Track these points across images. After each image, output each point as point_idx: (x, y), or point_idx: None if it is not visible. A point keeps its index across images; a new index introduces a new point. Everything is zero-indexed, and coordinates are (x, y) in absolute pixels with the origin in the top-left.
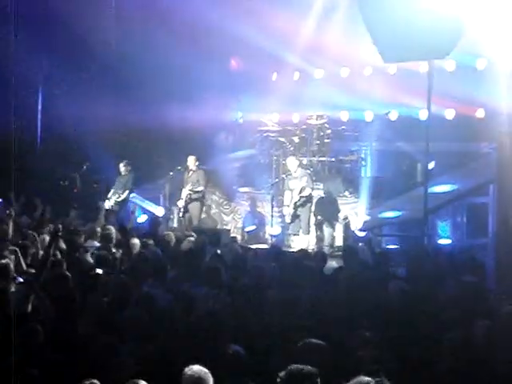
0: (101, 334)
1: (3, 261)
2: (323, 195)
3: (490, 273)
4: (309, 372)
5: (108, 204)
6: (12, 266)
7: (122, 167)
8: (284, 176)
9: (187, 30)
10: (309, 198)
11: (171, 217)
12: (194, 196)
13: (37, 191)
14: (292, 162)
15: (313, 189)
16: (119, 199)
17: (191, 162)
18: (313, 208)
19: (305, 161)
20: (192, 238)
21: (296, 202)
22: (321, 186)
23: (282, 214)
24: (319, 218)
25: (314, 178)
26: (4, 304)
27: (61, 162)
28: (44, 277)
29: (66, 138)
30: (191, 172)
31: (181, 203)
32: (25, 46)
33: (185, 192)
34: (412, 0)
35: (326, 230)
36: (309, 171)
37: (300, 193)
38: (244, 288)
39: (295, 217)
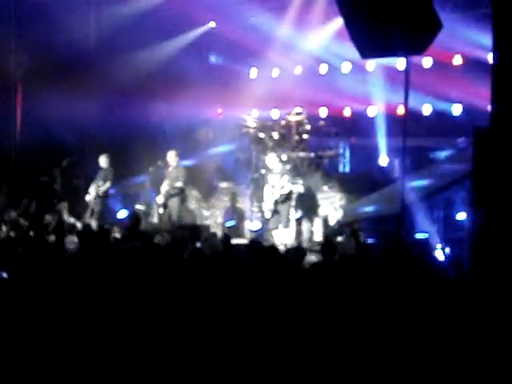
0: None
1: None
2: (303, 191)
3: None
4: None
5: (88, 198)
6: None
7: (101, 160)
8: (263, 171)
9: (167, 25)
10: (289, 195)
11: (151, 212)
12: (173, 192)
13: (17, 186)
14: (272, 159)
15: (293, 184)
16: (100, 192)
17: (171, 157)
18: (292, 203)
19: (284, 156)
20: (168, 234)
21: (276, 199)
22: (300, 181)
23: (262, 209)
24: (299, 212)
25: (293, 174)
26: None
27: (41, 158)
28: None
29: (46, 134)
30: (171, 167)
31: (160, 199)
32: (3, 41)
33: (164, 187)
34: None
35: (305, 224)
36: (288, 167)
37: (281, 189)
38: (223, 283)
39: (275, 212)
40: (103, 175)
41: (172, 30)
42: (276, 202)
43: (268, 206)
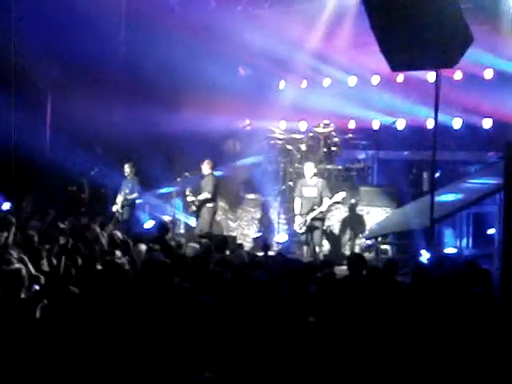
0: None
1: (16, 265)
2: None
3: (496, 283)
4: None
5: (115, 207)
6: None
7: (126, 169)
8: (291, 183)
9: (197, 38)
10: (326, 212)
11: (178, 223)
12: (203, 202)
13: (46, 196)
14: (309, 168)
15: (331, 200)
16: (126, 202)
17: (204, 167)
18: (329, 221)
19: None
20: (196, 245)
21: (314, 217)
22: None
23: (289, 221)
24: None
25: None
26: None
27: (69, 168)
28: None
29: (74, 144)
30: (204, 177)
31: (192, 209)
32: (34, 52)
33: (190, 198)
34: (421, 8)
35: (331, 237)
36: (324, 182)
37: (318, 204)
38: (250, 294)
39: (311, 228)
40: (129, 185)
41: (200, 41)
42: (313, 219)
43: (301, 220)
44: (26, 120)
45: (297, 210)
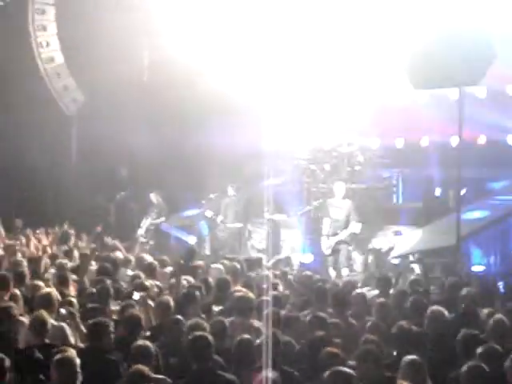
0: (133, 365)
1: (47, 289)
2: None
3: None
4: None
5: (140, 232)
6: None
7: (152, 197)
8: (315, 203)
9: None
10: (354, 235)
11: (204, 245)
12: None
13: (72, 221)
14: (339, 188)
15: (348, 231)
16: (151, 226)
17: (230, 190)
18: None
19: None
20: (220, 266)
21: (341, 241)
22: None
23: (313, 241)
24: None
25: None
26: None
27: (96, 192)
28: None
29: (101, 168)
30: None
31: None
32: (58, 78)
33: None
34: (442, 26)
35: (358, 257)
36: (351, 203)
37: (344, 227)
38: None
39: (336, 251)
40: (156, 210)
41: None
42: (339, 242)
43: (329, 243)
44: (53, 146)
45: (324, 230)
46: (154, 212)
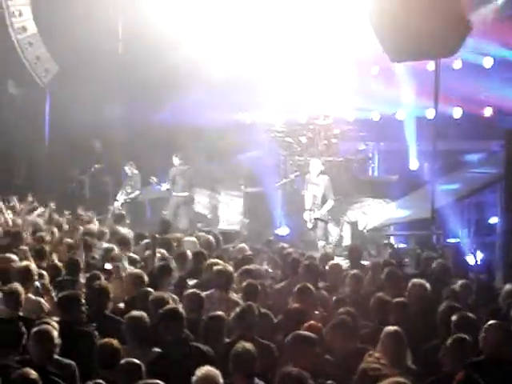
0: (108, 336)
1: (25, 262)
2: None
3: (498, 271)
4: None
5: (116, 204)
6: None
7: (127, 169)
8: (292, 176)
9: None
10: (331, 209)
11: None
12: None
13: (46, 193)
14: (315, 165)
15: (334, 199)
16: (128, 200)
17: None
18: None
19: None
20: (194, 238)
21: (318, 219)
22: None
23: (290, 214)
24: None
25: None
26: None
27: (70, 165)
28: None
29: (74, 141)
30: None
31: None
32: (31, 49)
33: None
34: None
35: (334, 229)
36: (328, 179)
37: (322, 202)
38: (251, 289)
39: (315, 225)
40: (131, 183)
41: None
42: (317, 219)
43: (310, 217)
44: (26, 117)
45: (307, 204)
46: (129, 184)
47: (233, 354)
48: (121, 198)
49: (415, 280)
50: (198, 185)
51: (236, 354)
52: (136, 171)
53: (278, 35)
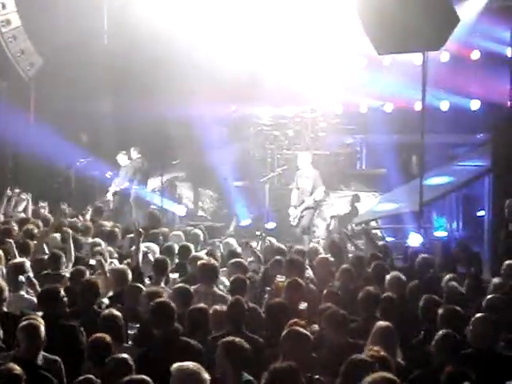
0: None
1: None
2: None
3: (486, 264)
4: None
5: (109, 196)
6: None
7: (119, 158)
8: (279, 169)
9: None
10: (319, 202)
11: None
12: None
13: (32, 188)
14: (304, 158)
15: (311, 197)
16: (117, 190)
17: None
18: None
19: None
20: (179, 232)
21: (306, 207)
22: None
23: (278, 208)
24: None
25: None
26: None
27: (56, 158)
28: None
29: (59, 134)
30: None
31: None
32: (15, 41)
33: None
34: None
35: (321, 223)
36: (318, 171)
37: (311, 195)
38: (239, 283)
39: (301, 218)
40: (122, 174)
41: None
42: (305, 209)
43: (296, 213)
44: (11, 112)
45: (292, 201)
46: (120, 176)
47: (222, 348)
48: (112, 189)
49: (392, 273)
50: (185, 179)
51: (225, 347)
52: (128, 161)
53: (267, 28)
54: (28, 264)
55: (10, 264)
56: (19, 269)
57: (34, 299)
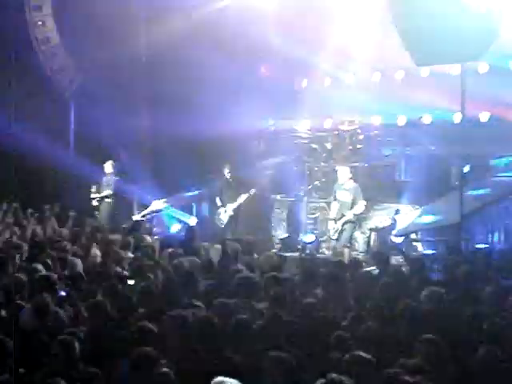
0: (136, 348)
1: (45, 272)
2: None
3: None
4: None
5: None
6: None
7: (106, 167)
8: (317, 182)
9: (216, 40)
10: (356, 216)
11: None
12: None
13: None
14: (343, 172)
15: (352, 211)
16: (98, 198)
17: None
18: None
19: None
20: (219, 246)
21: (347, 221)
22: None
23: (316, 221)
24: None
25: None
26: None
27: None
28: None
29: (99, 151)
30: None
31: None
32: (55, 59)
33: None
34: (444, 2)
35: (360, 236)
36: (357, 185)
37: (351, 208)
38: (278, 296)
39: (342, 232)
40: (109, 182)
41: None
42: (345, 222)
43: (336, 226)
44: (50, 129)
45: (332, 214)
46: (105, 183)
47: (271, 364)
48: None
49: (430, 287)
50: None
51: (275, 363)
52: (111, 170)
53: (305, 38)
54: None
55: None
56: None
57: None
